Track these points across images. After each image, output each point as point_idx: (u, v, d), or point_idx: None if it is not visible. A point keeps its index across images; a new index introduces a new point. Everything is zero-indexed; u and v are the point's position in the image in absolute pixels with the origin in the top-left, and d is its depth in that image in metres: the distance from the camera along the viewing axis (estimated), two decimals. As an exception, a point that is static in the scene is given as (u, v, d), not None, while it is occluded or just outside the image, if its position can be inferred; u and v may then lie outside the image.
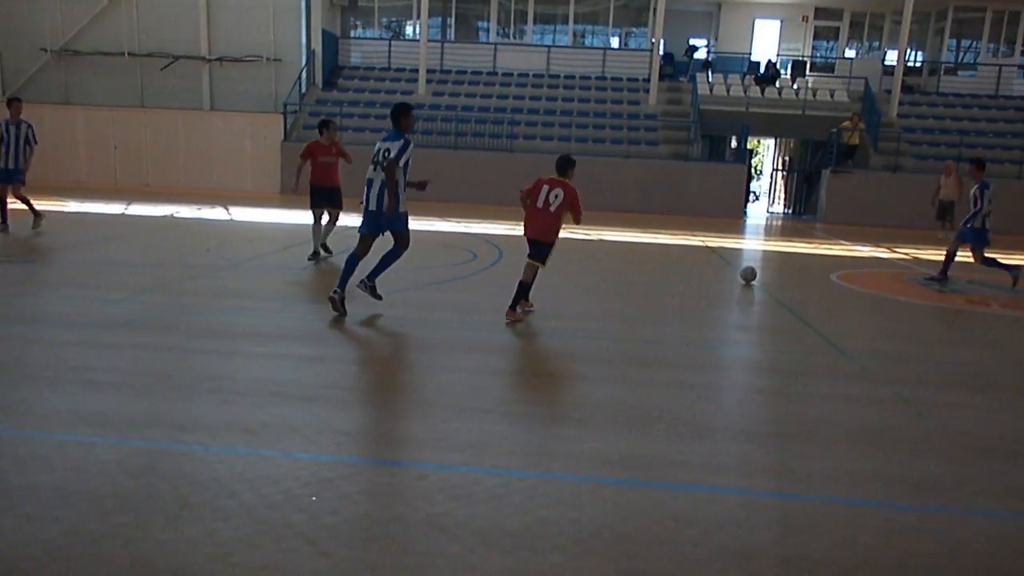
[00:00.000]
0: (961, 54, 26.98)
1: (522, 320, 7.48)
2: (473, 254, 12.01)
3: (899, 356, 7.30)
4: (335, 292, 7.26)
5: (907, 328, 8.77)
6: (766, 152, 33.98)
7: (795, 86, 24.71)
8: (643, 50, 26.37)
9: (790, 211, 27.03)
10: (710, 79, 24.68)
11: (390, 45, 26.76)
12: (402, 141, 7.17)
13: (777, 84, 24.50)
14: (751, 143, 27.73)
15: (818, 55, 27.70)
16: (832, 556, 3.31)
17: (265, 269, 10.32)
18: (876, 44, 27.79)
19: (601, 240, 15.01)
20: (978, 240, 10.97)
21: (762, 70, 25.45)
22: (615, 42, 27.37)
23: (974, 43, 26.49)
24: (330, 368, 5.98)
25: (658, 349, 7.06)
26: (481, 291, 9.45)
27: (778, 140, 29.13)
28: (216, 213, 17.11)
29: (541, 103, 24.54)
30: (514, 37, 27.27)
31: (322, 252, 10.67)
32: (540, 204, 7.45)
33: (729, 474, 4.19)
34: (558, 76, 25.74)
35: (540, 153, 20.58)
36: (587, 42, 27.46)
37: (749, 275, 10.46)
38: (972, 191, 11.01)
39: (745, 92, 24.02)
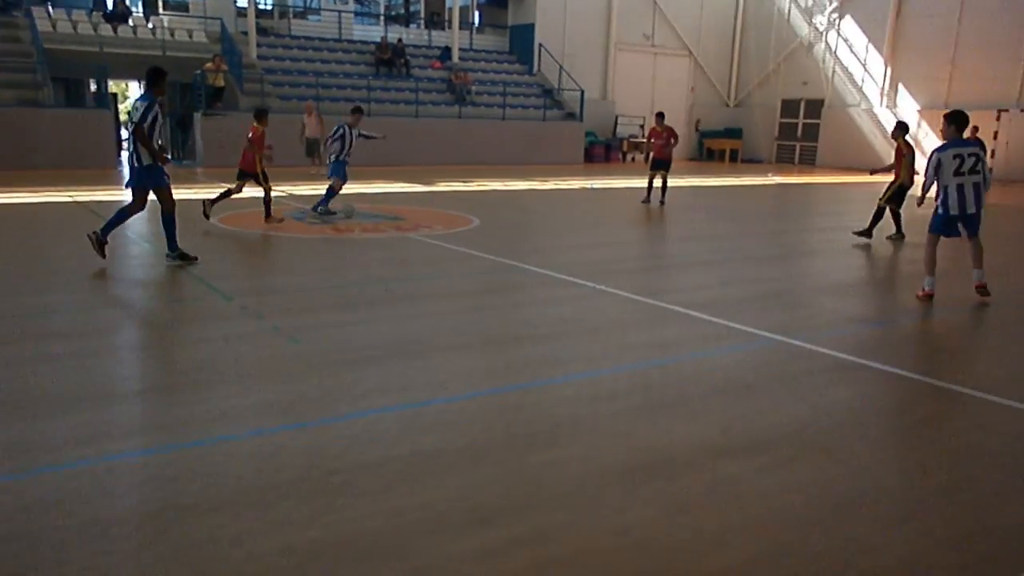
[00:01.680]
0: (307, -1, 28.98)
1: None
2: None
3: (275, 289, 7.81)
4: (94, 233, 8.09)
5: (283, 262, 9.39)
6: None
7: (150, 25, 23.75)
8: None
9: (170, 157, 26.21)
10: (51, 14, 22.20)
11: None
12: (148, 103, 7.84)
13: (131, 22, 23.22)
14: (117, 87, 25.91)
15: (169, -6, 26.94)
16: (206, 495, 3.47)
17: None
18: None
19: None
20: (336, 171, 12.27)
21: (111, 7, 23.80)
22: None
23: (317, -12, 28.67)
24: None
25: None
26: None
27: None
28: None
29: None
30: None
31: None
32: None
33: (100, 443, 4.04)
34: None
35: None
36: None
37: (350, 211, 12.07)
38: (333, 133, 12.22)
39: (96, 30, 22.24)
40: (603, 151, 29.85)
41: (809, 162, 31.71)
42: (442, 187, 18.15)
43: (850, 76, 30.60)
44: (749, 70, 34.02)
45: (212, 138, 21.76)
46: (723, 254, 10.70)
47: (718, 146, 33.33)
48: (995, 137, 22.21)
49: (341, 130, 12.24)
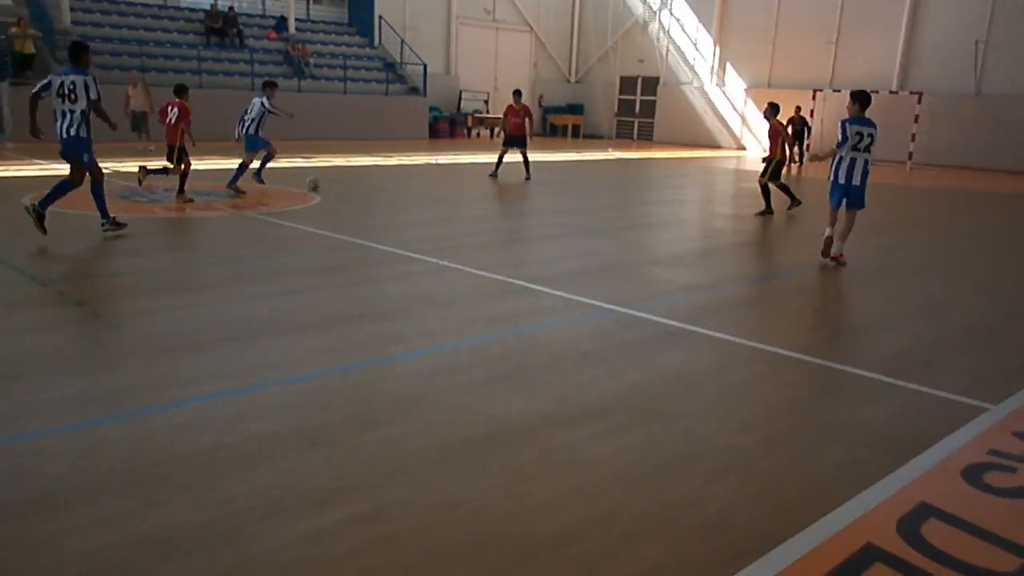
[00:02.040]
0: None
1: None
2: None
3: (95, 273, 7.31)
4: (33, 206, 8.17)
5: (107, 244, 8.78)
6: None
7: (-55, -15, 21.44)
8: None
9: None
10: None
11: None
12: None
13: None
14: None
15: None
16: (13, 496, 3.23)
17: None
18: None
19: None
20: (253, 146, 12.80)
21: None
22: None
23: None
24: None
25: None
26: None
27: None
28: None
29: None
30: None
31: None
32: None
33: None
34: None
35: None
36: None
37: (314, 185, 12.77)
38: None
39: None
40: (448, 126, 29.76)
41: (647, 138, 32.95)
42: (282, 163, 17.53)
43: (683, 55, 31.96)
44: (589, 47, 34.85)
45: (23, 109, 19.97)
46: (565, 228, 10.96)
47: (561, 121, 34.00)
48: (811, 115, 23.82)
49: (262, 107, 12.68)
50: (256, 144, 12.81)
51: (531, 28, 33.47)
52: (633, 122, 33.89)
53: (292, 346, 5.31)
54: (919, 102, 23.40)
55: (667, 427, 4.19)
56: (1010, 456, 3.99)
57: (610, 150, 27.08)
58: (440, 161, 20.43)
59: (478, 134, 30.80)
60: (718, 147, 30.12)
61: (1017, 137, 23.66)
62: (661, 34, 32.36)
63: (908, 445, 4.04)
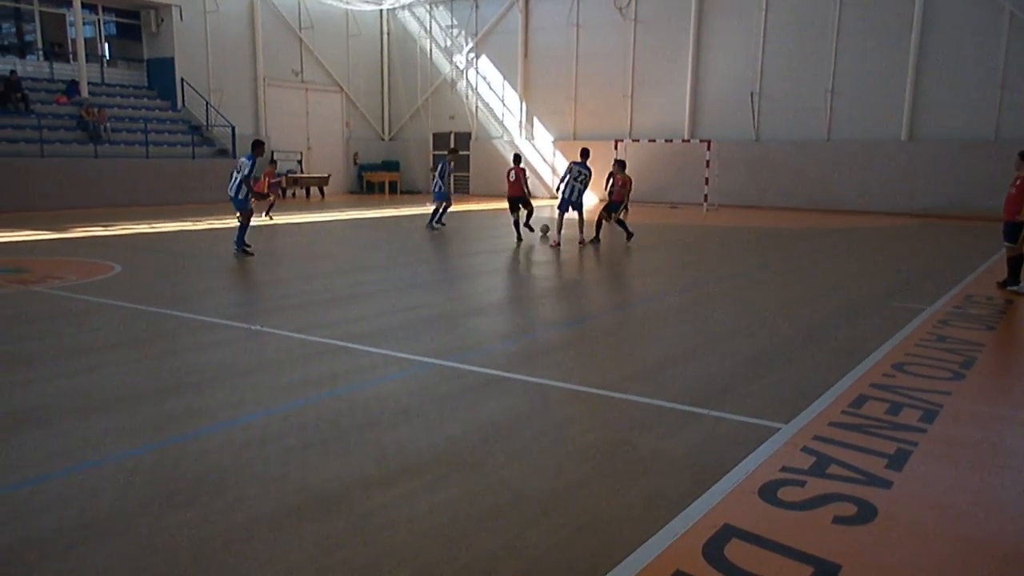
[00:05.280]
0: None
1: None
2: None
3: None
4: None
5: None
6: None
7: None
8: None
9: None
10: None
11: None
12: None
13: None
14: None
15: None
16: None
17: None
18: None
19: None
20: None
21: None
22: None
23: None
24: None
25: None
26: None
27: None
28: None
29: None
30: None
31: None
32: None
33: None
34: None
35: None
36: None
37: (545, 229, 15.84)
38: None
39: None
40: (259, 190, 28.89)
41: (463, 191, 33.53)
42: (77, 233, 16.36)
43: (492, 111, 32.99)
44: (400, 105, 35.25)
45: None
46: (382, 284, 10.88)
47: (377, 179, 33.98)
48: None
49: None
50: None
51: (341, 88, 33.44)
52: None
53: (82, 430, 4.88)
54: (708, 148, 25.37)
55: (485, 478, 4.19)
56: (800, 471, 4.30)
57: (427, 204, 27.33)
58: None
59: (293, 194, 30.20)
60: (533, 196, 31.10)
61: (793, 178, 26.16)
62: (469, 91, 33.29)
63: (711, 470, 4.27)
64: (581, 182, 14.58)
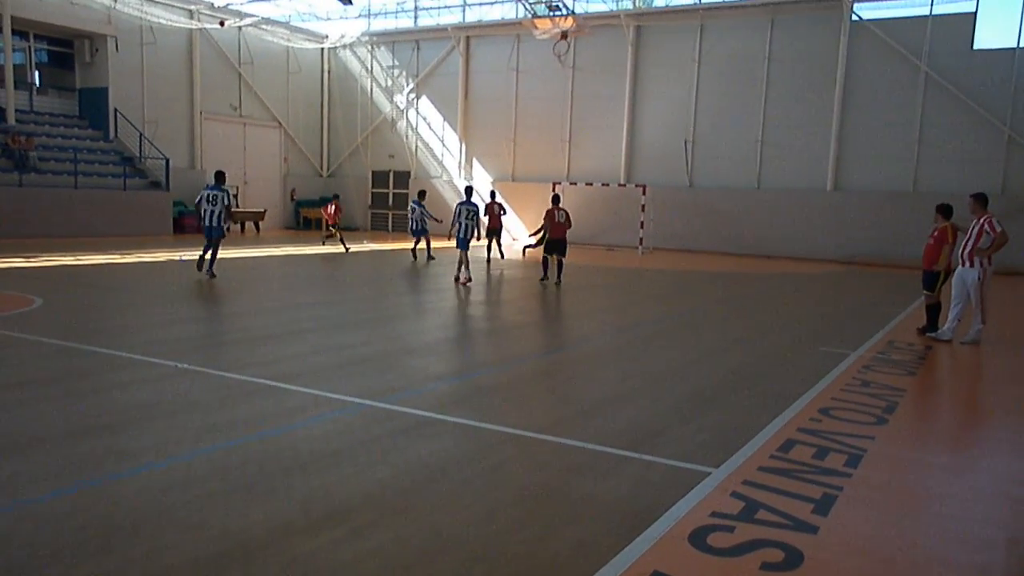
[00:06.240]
0: None
1: None
2: None
3: None
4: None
5: None
6: None
7: None
8: None
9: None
10: None
11: None
12: None
13: None
14: None
15: None
16: None
17: None
18: None
19: None
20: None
21: None
22: None
23: None
24: None
25: None
26: None
27: None
28: None
29: None
30: None
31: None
32: None
33: None
34: None
35: None
36: None
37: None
38: None
39: None
40: (195, 221, 28.32)
41: (403, 229, 33.43)
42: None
43: (431, 150, 33.13)
44: (339, 143, 35.12)
45: None
46: (316, 322, 10.71)
47: (315, 215, 33.65)
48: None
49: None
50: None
51: (280, 124, 33.19)
52: (388, 214, 34.37)
53: (-9, 474, 4.64)
54: (644, 193, 25.87)
55: (414, 523, 4.12)
56: (729, 516, 4.34)
57: (365, 242, 27.17)
58: (185, 258, 19.34)
59: (228, 228, 29.63)
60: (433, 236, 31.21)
61: (725, 224, 26.83)
62: (409, 131, 33.39)
63: (642, 515, 4.27)
64: (470, 219, 15.78)
